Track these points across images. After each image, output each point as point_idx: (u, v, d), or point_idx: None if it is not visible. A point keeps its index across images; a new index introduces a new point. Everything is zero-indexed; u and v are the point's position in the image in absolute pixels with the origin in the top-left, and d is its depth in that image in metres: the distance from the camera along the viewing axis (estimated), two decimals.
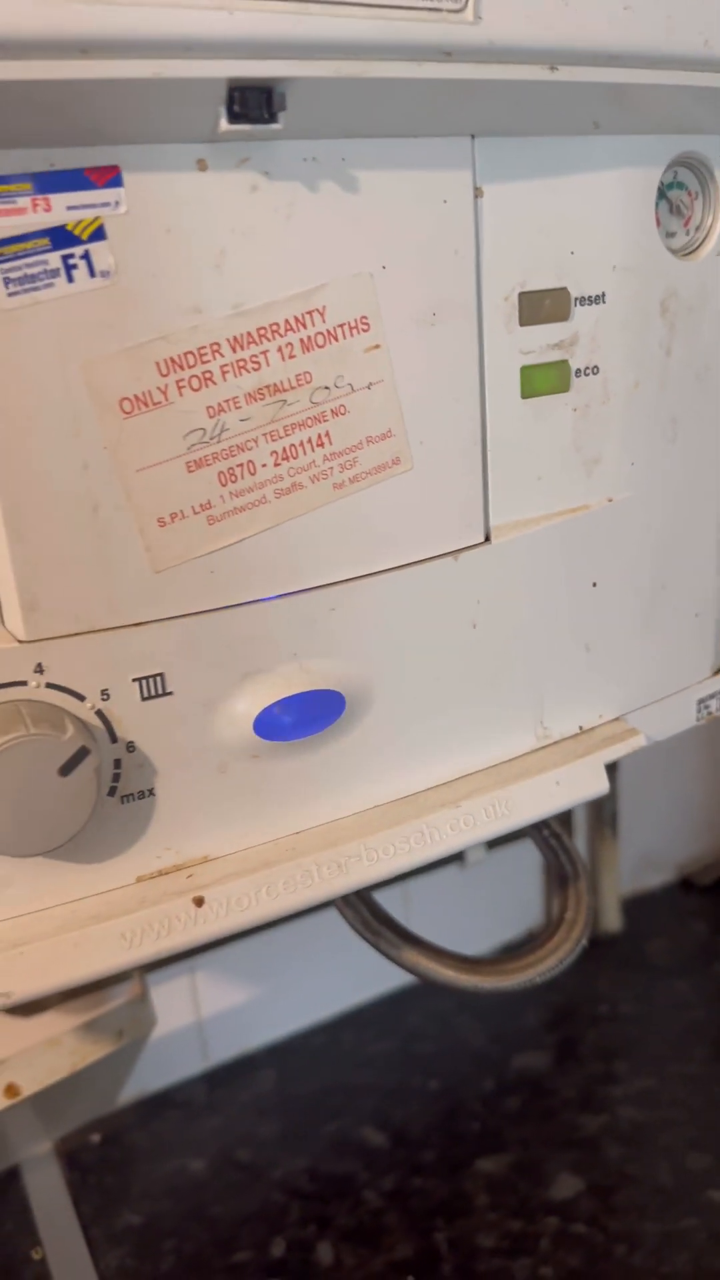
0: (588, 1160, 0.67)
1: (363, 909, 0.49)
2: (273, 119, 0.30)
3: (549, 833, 0.52)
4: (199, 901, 0.35)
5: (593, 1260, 0.61)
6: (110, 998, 0.62)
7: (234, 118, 0.29)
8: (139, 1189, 0.67)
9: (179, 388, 0.32)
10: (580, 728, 0.42)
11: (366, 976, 0.78)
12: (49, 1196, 0.66)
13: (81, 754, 0.32)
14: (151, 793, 0.35)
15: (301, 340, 0.33)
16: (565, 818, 0.58)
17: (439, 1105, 0.72)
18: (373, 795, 0.38)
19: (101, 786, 0.33)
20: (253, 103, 0.29)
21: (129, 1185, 0.67)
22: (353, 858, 0.36)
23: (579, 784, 0.39)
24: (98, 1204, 0.66)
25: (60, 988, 0.33)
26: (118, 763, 0.34)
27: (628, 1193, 0.66)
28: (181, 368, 0.32)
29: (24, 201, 0.29)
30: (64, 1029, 0.54)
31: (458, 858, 0.79)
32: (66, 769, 0.32)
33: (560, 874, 0.51)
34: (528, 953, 0.49)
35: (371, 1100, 0.73)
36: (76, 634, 0.33)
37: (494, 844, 0.79)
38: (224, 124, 0.29)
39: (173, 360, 0.32)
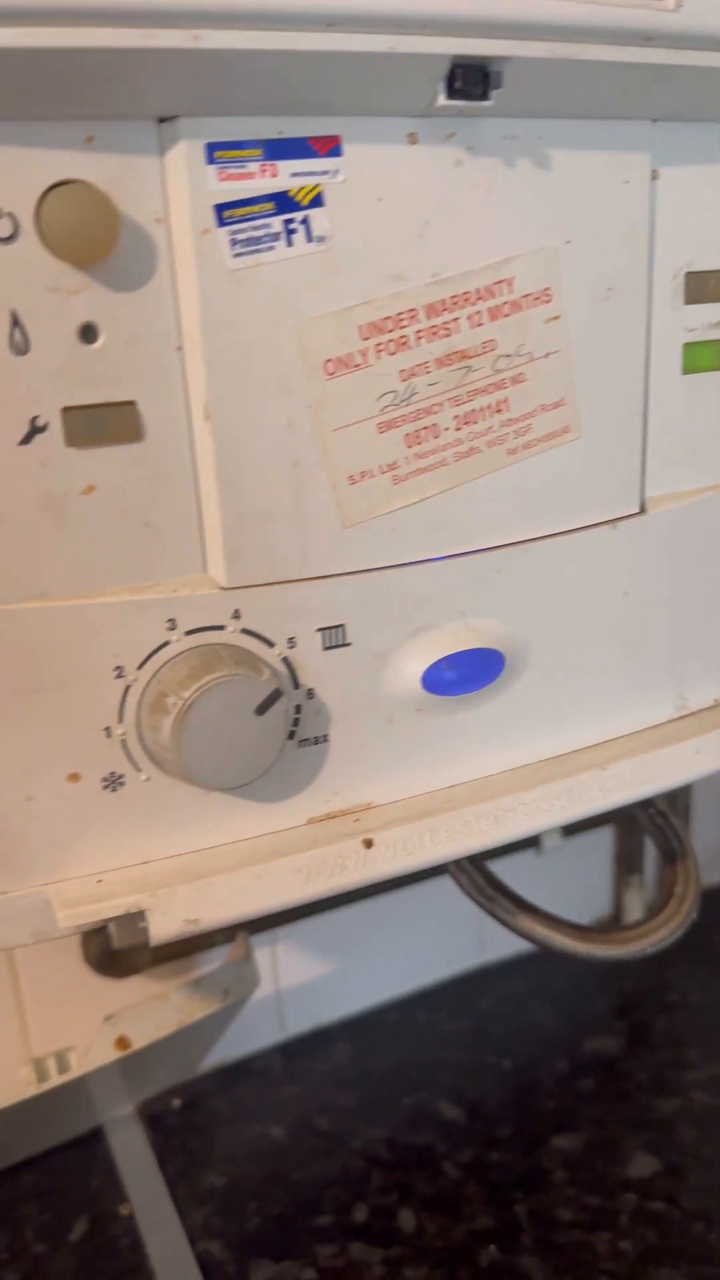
0: (662, 1141, 0.68)
1: (478, 875, 0.51)
2: (485, 96, 0.32)
3: (654, 811, 0.53)
4: (368, 843, 0.36)
5: (670, 1236, 0.62)
6: (196, 964, 0.64)
7: (452, 93, 0.31)
8: (221, 1152, 0.69)
9: (377, 351, 0.34)
10: (716, 700, 0.44)
11: (438, 957, 0.80)
12: (134, 1156, 0.68)
13: (276, 695, 0.34)
14: (325, 739, 0.37)
15: (490, 309, 0.35)
16: (671, 797, 0.60)
17: (513, 1083, 0.74)
18: (524, 754, 0.40)
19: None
20: (471, 80, 0.31)
21: (211, 1148, 0.69)
22: (508, 811, 0.38)
23: (718, 753, 0.41)
24: (181, 1165, 0.68)
25: (242, 918, 0.35)
26: (298, 708, 0.36)
27: (703, 1174, 0.68)
28: (381, 332, 0.34)
29: (253, 167, 0.31)
30: (171, 985, 0.56)
31: (533, 842, 0.80)
32: (262, 708, 0.34)
33: (668, 851, 0.53)
34: (639, 924, 0.50)
35: (447, 1076, 0.75)
36: (270, 584, 0.35)
37: (570, 830, 0.80)
38: (441, 99, 0.31)
39: (374, 324, 0.34)
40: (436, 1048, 0.77)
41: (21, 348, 0.30)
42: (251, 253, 0.32)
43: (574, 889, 0.85)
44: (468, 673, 0.37)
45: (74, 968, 0.62)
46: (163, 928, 0.34)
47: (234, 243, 0.31)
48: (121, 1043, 0.53)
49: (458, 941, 0.80)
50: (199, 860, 0.36)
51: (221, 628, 0.35)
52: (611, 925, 0.51)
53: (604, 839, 0.86)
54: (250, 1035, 0.75)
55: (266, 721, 0.34)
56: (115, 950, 0.64)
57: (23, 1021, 0.62)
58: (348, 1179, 0.67)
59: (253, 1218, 0.66)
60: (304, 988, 0.76)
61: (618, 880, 0.87)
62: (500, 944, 0.82)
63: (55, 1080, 0.52)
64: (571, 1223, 0.65)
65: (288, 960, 0.75)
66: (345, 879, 0.36)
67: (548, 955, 0.85)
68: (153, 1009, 0.54)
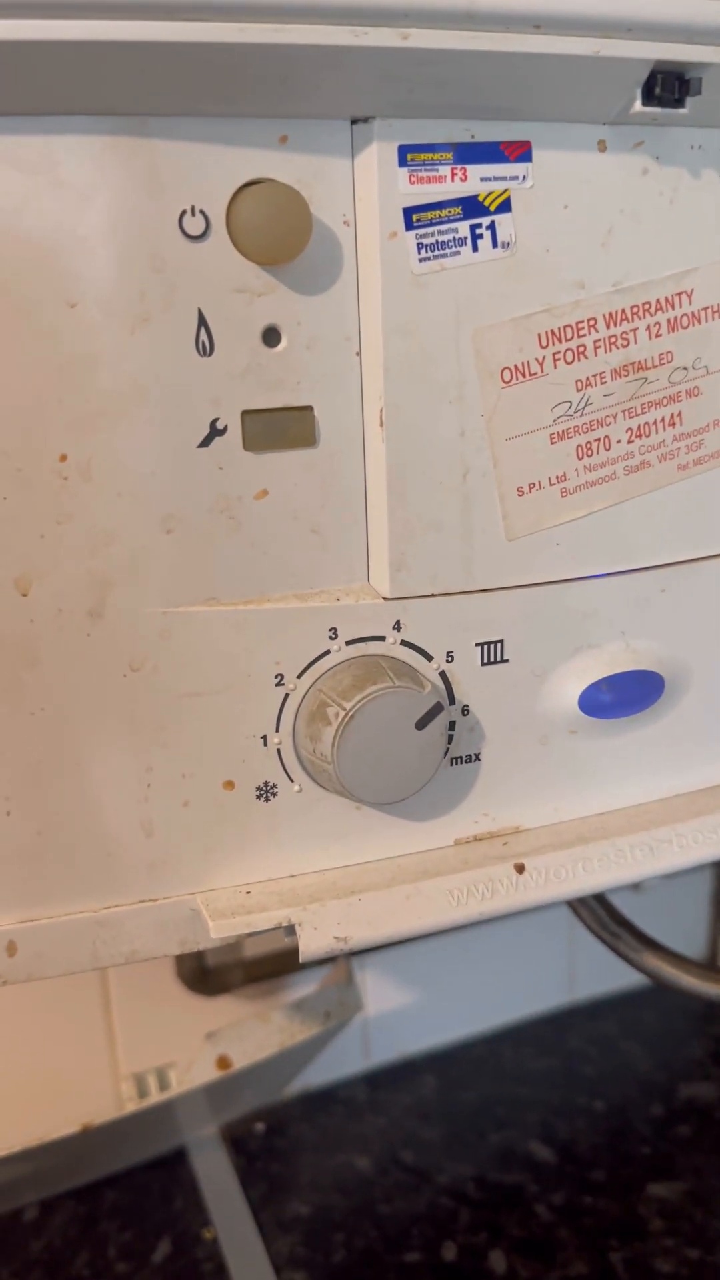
0: None
1: (601, 909, 0.49)
2: (681, 104, 0.31)
3: None
4: (520, 868, 0.36)
5: None
6: (286, 986, 0.63)
7: (649, 100, 0.31)
8: (306, 1180, 0.68)
9: (554, 360, 0.34)
10: None
11: (526, 994, 0.78)
12: (217, 1179, 0.67)
13: (437, 709, 0.33)
14: (477, 757, 0.37)
15: (668, 320, 0.34)
16: None
17: (606, 1126, 0.72)
18: (680, 782, 0.39)
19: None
20: (669, 86, 0.31)
21: (296, 1175, 0.68)
22: (663, 842, 0.37)
23: None
24: (265, 1191, 0.67)
25: (392, 938, 0.34)
26: (452, 725, 0.36)
27: None
28: (560, 340, 0.33)
29: (444, 170, 0.31)
30: (267, 1006, 0.55)
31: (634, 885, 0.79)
32: (423, 722, 0.33)
33: None
34: None
35: (536, 1115, 0.73)
36: (432, 595, 0.35)
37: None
38: (638, 105, 0.31)
39: (553, 333, 0.33)
40: (524, 1086, 0.75)
41: (206, 348, 0.30)
42: (436, 257, 0.31)
43: (670, 930, 0.83)
44: (626, 695, 0.37)
45: (165, 984, 0.62)
46: (312, 944, 0.33)
47: (420, 247, 0.31)
48: (222, 1062, 0.52)
49: (546, 979, 0.79)
50: (346, 877, 0.35)
51: (382, 638, 0.34)
52: None
53: (703, 879, 0.84)
54: (335, 1063, 0.74)
55: (426, 736, 0.33)
56: (208, 967, 0.64)
57: (111, 1037, 0.62)
58: (436, 1216, 0.66)
59: (339, 1250, 0.65)
60: (390, 1017, 0.75)
61: (714, 922, 0.85)
62: (590, 983, 0.80)
63: (156, 1097, 0.52)
64: (670, 1275, 0.63)
65: (375, 989, 0.74)
66: (496, 904, 0.35)
67: (638, 997, 0.83)
68: (254, 1029, 0.53)
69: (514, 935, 0.76)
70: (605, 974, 0.80)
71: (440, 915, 0.35)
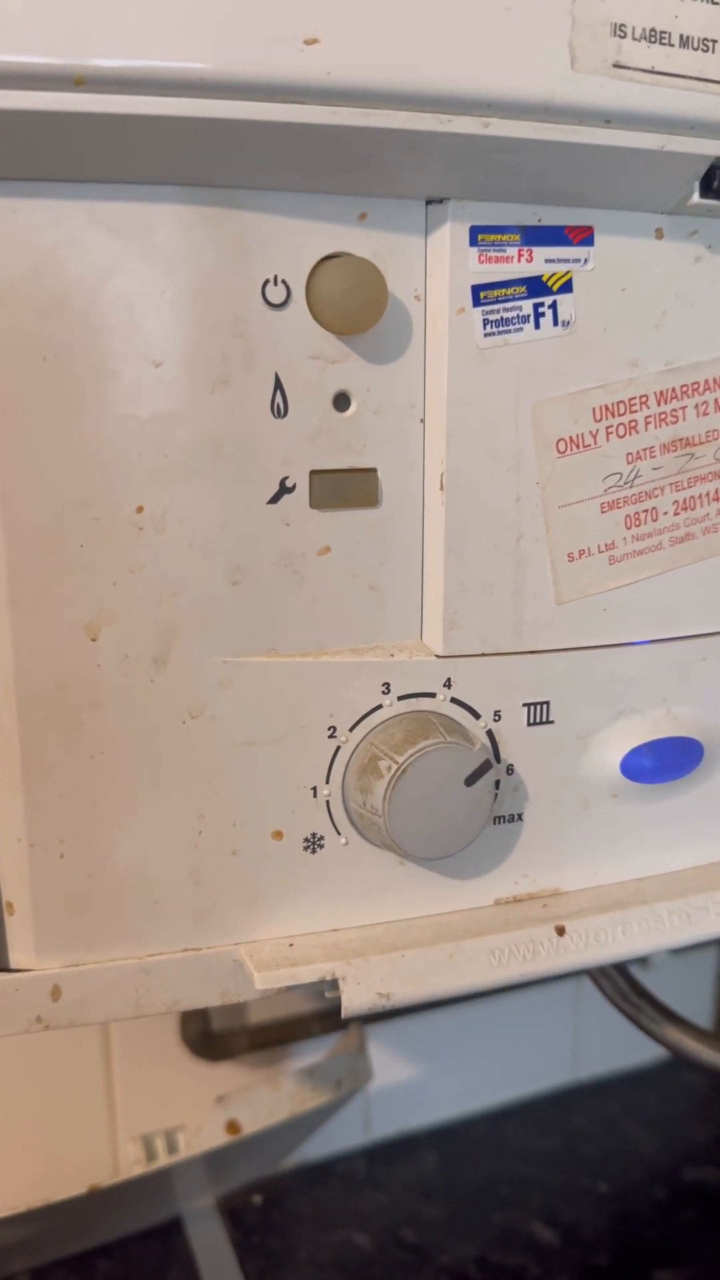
0: None
1: (621, 981, 0.50)
2: None
3: None
4: (560, 930, 0.36)
5: None
6: (291, 1054, 0.63)
7: (706, 193, 0.33)
8: (304, 1255, 0.67)
9: (607, 434, 0.35)
10: None
11: (529, 1071, 0.78)
12: (214, 1252, 0.66)
13: (486, 766, 0.34)
14: (520, 817, 0.37)
15: (716, 400, 0.36)
16: None
17: (610, 1208, 0.72)
18: (717, 850, 0.40)
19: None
20: None
21: (294, 1251, 0.67)
22: (700, 910, 0.38)
23: None
24: (262, 1265, 0.66)
25: (434, 996, 0.35)
26: (497, 783, 0.37)
27: None
28: (613, 415, 0.35)
29: (512, 251, 0.33)
30: (283, 1071, 0.55)
31: (641, 959, 0.79)
32: (472, 779, 0.34)
33: None
34: None
35: (538, 1195, 0.72)
36: (483, 655, 0.36)
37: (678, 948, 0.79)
38: (696, 197, 0.33)
39: (607, 408, 0.35)
40: (526, 1165, 0.74)
41: (281, 410, 0.32)
42: (501, 333, 0.33)
43: (677, 1007, 0.83)
44: (667, 761, 0.38)
45: (168, 1047, 0.62)
46: (356, 999, 0.34)
47: (486, 322, 0.33)
48: (232, 1127, 0.52)
49: (550, 1056, 0.78)
50: (388, 933, 0.36)
51: (433, 695, 0.35)
52: None
53: (708, 957, 0.84)
54: (334, 1136, 0.74)
55: (474, 793, 0.34)
56: (213, 1031, 0.63)
57: (111, 1099, 0.61)
58: None
59: None
60: (392, 1090, 0.75)
61: (718, 1001, 0.85)
62: (594, 1062, 0.80)
63: (164, 1160, 0.51)
64: None
65: (377, 1061, 0.73)
66: (537, 966, 0.36)
67: (642, 1077, 0.82)
68: (265, 1094, 0.53)
69: (517, 1010, 0.76)
70: (609, 1053, 0.80)
71: (482, 975, 0.35)
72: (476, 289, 0.33)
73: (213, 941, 0.35)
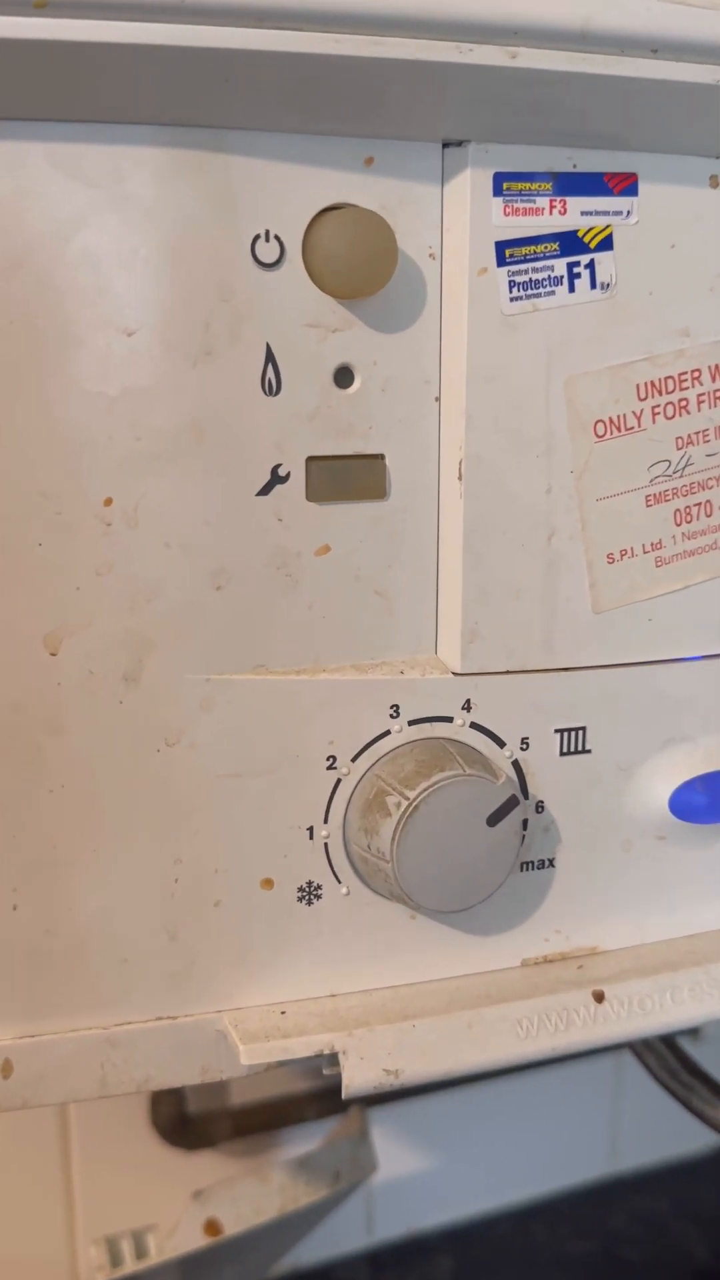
0: None
1: (669, 1056, 0.50)
2: None
3: None
4: (599, 996, 0.36)
5: None
6: (281, 1141, 0.62)
7: None
8: None
9: (654, 414, 0.36)
10: None
11: (560, 1162, 0.78)
12: None
13: (511, 803, 0.35)
14: (551, 863, 0.38)
15: None
16: None
17: None
18: None
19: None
20: None
21: None
22: None
23: None
24: None
25: (450, 1074, 0.35)
26: (524, 823, 0.37)
27: None
28: (660, 393, 0.35)
29: (542, 201, 0.33)
30: (272, 1162, 0.55)
31: (691, 1030, 0.79)
32: (495, 818, 0.35)
33: None
34: None
35: None
36: (507, 672, 0.36)
37: None
38: None
39: (653, 384, 0.35)
40: (559, 1272, 0.74)
41: (273, 387, 0.32)
42: (529, 297, 0.34)
43: None
44: None
45: (137, 1132, 0.61)
46: (358, 1077, 0.34)
47: (512, 285, 0.33)
48: (211, 1227, 0.52)
49: (585, 1144, 0.78)
50: (397, 998, 0.36)
51: (449, 719, 0.36)
52: None
53: None
54: (332, 1237, 0.73)
55: (498, 835, 0.35)
56: (189, 1115, 0.63)
57: (70, 1196, 0.61)
58: None
59: None
60: (399, 1184, 0.75)
61: None
62: (636, 1151, 0.80)
63: (131, 1267, 0.51)
64: None
65: (382, 1149, 0.73)
66: (572, 1038, 0.36)
67: (692, 1169, 0.82)
68: (250, 1189, 0.53)
69: (548, 1090, 0.76)
70: (655, 1140, 0.79)
71: (507, 1049, 0.36)
72: (501, 246, 0.33)
73: (191, 1008, 0.35)
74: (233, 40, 0.28)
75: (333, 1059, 0.35)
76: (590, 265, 0.34)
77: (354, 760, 0.35)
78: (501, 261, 0.33)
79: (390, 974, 0.37)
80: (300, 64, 0.29)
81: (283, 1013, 0.35)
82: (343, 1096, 0.34)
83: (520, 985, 0.37)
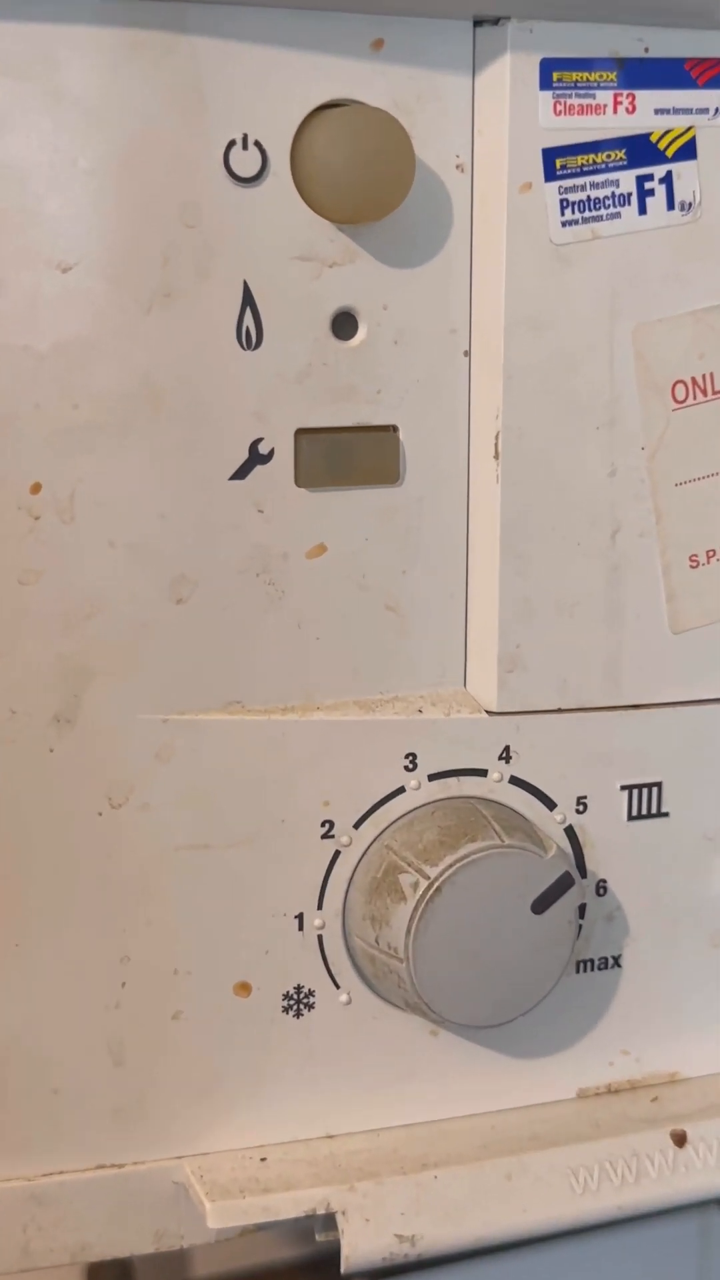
0: None
1: None
2: None
3: None
4: (680, 1138, 0.37)
5: None
6: None
7: None
8: None
9: None
10: None
11: None
12: None
13: (564, 884, 0.35)
14: (617, 962, 0.38)
15: None
16: None
17: None
18: None
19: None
20: None
21: None
22: None
23: None
24: None
25: (483, 1241, 0.35)
26: (582, 909, 0.38)
27: None
28: None
29: (604, 97, 0.34)
30: None
31: None
32: (543, 903, 0.35)
33: None
34: None
35: None
36: (559, 710, 0.37)
37: None
38: None
39: None
40: None
41: (251, 339, 0.33)
42: (587, 221, 0.34)
43: None
44: None
45: None
46: (362, 1244, 0.34)
47: (565, 205, 0.34)
48: None
49: None
50: (413, 1141, 0.37)
51: (483, 773, 0.36)
52: None
53: None
54: None
55: (546, 925, 0.35)
56: None
57: None
58: None
59: None
60: None
61: None
62: None
63: None
64: None
65: None
66: (643, 1193, 0.36)
67: None
68: None
69: (615, 1259, 0.75)
70: None
71: (559, 1207, 0.36)
72: (550, 154, 0.34)
73: (142, 1154, 0.36)
74: None
75: (329, 1221, 0.35)
76: (667, 179, 0.35)
77: (357, 827, 0.36)
78: (551, 175, 0.34)
79: (405, 1109, 0.37)
80: None
81: (263, 1159, 0.36)
82: (342, 1271, 0.34)
83: (576, 1124, 0.37)
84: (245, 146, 0.32)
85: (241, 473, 0.34)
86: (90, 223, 0.32)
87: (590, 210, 0.35)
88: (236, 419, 0.34)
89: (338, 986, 0.37)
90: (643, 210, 0.35)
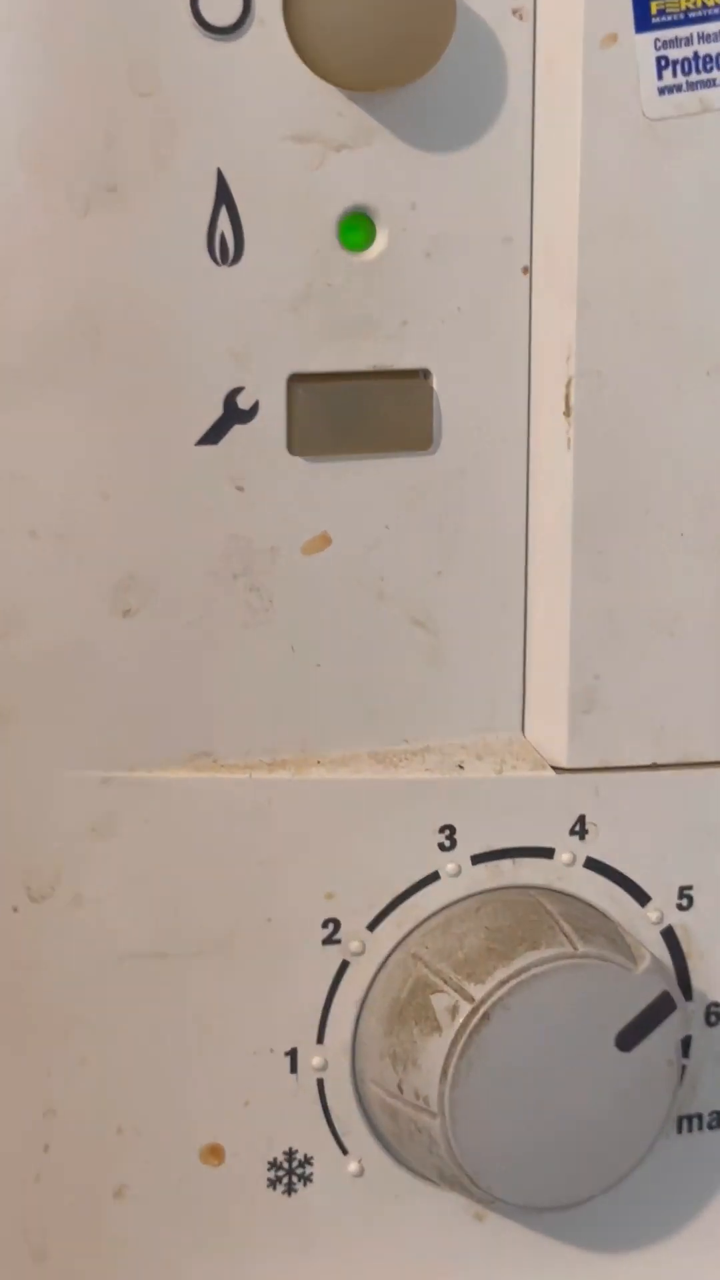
0: None
1: None
2: None
3: None
4: None
5: None
6: None
7: None
8: None
9: None
10: None
11: None
12: None
13: (663, 1008, 0.34)
14: None
15: None
16: None
17: None
18: None
19: None
20: None
21: None
22: None
23: None
24: None
25: None
26: (685, 1044, 0.37)
27: None
28: None
29: None
30: None
31: None
32: (632, 1036, 0.34)
33: None
34: None
35: None
36: (655, 767, 0.36)
37: None
38: None
39: None
40: None
41: (228, 250, 0.33)
42: (694, 86, 0.34)
43: None
44: None
45: None
46: None
47: (663, 64, 0.34)
48: None
49: None
50: None
51: (549, 853, 0.36)
52: None
53: None
54: None
55: (638, 1065, 0.35)
56: None
57: None
58: None
59: None
60: None
61: None
62: None
63: None
64: None
65: None
66: None
67: None
68: None
69: None
70: None
71: None
72: None
73: None
74: None
75: None
76: None
77: (372, 928, 0.36)
78: (645, 24, 0.34)
79: None
80: None
81: None
82: None
83: None
84: None
85: (213, 435, 0.34)
86: (7, 91, 0.31)
87: (699, 72, 0.34)
88: (207, 360, 0.33)
89: (345, 1152, 0.36)
90: None
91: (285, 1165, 0.36)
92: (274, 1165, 0.36)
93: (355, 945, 0.35)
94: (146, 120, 0.32)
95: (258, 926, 0.35)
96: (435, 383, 0.35)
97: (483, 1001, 0.34)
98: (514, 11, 0.34)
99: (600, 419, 0.35)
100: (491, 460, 0.35)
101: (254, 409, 0.34)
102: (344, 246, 0.34)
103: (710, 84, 0.34)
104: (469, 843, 0.36)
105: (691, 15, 0.34)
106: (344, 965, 0.36)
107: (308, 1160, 0.36)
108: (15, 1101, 0.34)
